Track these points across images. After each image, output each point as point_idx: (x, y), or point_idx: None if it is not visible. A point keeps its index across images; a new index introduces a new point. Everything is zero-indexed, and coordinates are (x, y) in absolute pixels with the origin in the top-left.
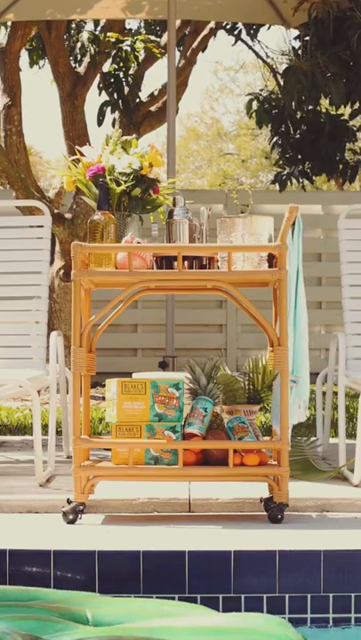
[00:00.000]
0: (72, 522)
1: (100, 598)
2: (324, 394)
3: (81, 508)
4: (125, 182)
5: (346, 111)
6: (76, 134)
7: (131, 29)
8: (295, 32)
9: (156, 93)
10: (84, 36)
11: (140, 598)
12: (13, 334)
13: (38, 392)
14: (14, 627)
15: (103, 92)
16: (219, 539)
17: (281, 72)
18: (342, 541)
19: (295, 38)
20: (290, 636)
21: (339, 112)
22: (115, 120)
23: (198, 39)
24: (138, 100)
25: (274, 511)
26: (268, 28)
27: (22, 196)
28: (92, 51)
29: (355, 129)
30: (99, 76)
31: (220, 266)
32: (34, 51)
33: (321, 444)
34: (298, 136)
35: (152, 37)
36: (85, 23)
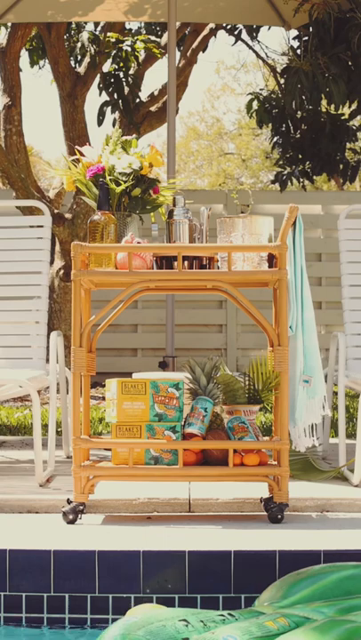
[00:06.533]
0: (72, 522)
1: None
2: None
3: (81, 508)
4: (125, 182)
5: (346, 111)
6: (76, 134)
7: (131, 29)
8: (296, 32)
9: (156, 93)
10: (85, 36)
11: None
12: (13, 334)
13: (38, 392)
14: None
15: (103, 91)
16: (219, 539)
17: (281, 72)
18: (342, 541)
19: (295, 38)
20: None
21: (339, 112)
22: (115, 120)
23: (198, 39)
24: (138, 100)
25: (274, 511)
26: (269, 28)
27: (22, 196)
28: (92, 51)
29: (355, 129)
30: (99, 76)
31: (220, 266)
32: (34, 51)
33: (321, 444)
34: (298, 136)
35: (152, 37)
36: (86, 23)
